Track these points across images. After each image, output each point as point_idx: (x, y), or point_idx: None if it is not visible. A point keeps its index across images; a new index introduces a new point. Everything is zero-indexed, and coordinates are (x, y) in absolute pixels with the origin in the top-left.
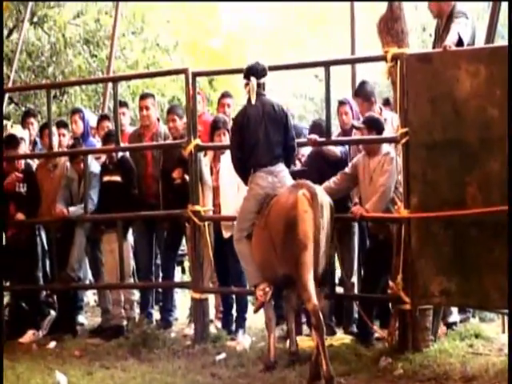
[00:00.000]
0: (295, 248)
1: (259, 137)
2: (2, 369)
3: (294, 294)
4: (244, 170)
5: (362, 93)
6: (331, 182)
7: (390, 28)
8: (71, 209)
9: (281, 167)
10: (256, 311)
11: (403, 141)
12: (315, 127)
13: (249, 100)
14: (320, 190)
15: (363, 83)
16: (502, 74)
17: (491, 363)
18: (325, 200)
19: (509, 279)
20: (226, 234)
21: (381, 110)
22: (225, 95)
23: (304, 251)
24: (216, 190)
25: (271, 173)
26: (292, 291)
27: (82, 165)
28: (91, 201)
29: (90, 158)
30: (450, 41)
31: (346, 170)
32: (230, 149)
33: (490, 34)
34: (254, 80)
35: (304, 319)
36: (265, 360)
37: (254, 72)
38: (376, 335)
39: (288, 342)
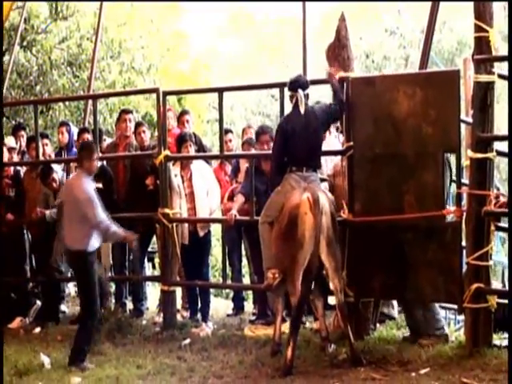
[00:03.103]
0: (292, 245)
1: (300, 144)
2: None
3: (285, 287)
4: (281, 172)
5: None
6: None
7: (337, 54)
8: (50, 211)
9: (315, 176)
10: (264, 289)
11: (348, 153)
12: (265, 129)
13: (294, 109)
14: (323, 197)
15: None
16: (436, 96)
17: (424, 349)
18: (325, 207)
19: (509, 280)
20: (201, 233)
21: None
22: (184, 113)
23: (300, 250)
24: (190, 196)
25: (305, 178)
26: (283, 284)
27: (54, 184)
28: None
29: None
30: None
31: None
32: (272, 150)
33: (424, 61)
34: (301, 92)
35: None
36: (271, 345)
37: (301, 84)
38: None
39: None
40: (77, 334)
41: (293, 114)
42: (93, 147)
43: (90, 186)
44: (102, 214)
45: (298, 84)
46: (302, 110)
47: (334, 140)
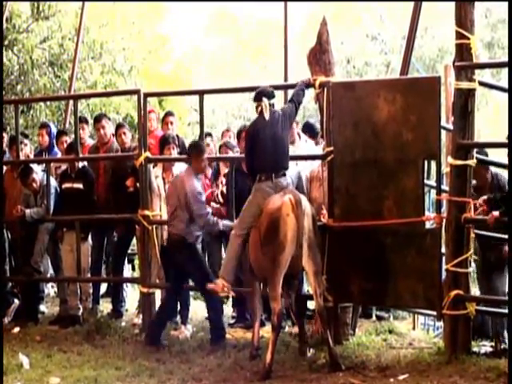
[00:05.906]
0: (274, 248)
1: (267, 149)
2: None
3: (265, 290)
4: (255, 175)
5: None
6: None
7: (319, 59)
8: (30, 210)
9: (286, 180)
10: (206, 291)
11: (329, 158)
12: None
13: (259, 116)
14: (304, 199)
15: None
16: (416, 102)
17: (402, 355)
18: (307, 209)
19: (509, 285)
20: None
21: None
22: (168, 114)
23: (281, 252)
24: None
25: (275, 187)
26: (261, 288)
27: (34, 185)
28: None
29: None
30: None
31: None
32: (244, 154)
33: (405, 67)
34: (266, 100)
35: None
36: (250, 349)
37: (266, 94)
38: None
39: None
40: (208, 308)
41: (258, 120)
42: (202, 148)
43: (198, 183)
44: (204, 209)
45: (262, 94)
46: (267, 117)
47: (303, 144)
